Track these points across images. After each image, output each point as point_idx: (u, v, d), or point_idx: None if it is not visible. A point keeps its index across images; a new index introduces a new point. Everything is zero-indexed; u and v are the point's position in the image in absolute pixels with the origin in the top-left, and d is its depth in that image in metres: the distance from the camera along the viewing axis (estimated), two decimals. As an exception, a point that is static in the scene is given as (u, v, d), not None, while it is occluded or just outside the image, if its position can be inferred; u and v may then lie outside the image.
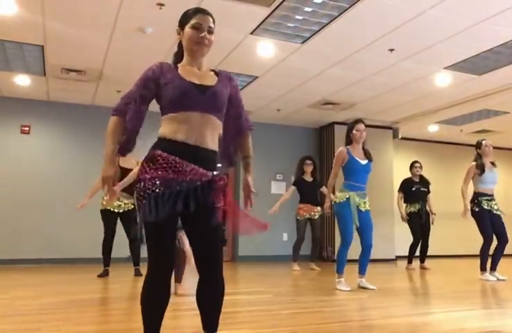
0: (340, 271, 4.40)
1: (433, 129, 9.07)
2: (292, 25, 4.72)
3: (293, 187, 6.56)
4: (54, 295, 3.91)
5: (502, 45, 5.09)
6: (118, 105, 1.95)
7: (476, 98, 7.00)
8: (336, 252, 4.52)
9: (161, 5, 4.27)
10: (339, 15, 4.49)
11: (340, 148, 4.55)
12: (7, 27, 4.78)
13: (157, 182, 1.77)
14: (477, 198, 5.34)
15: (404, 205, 6.82)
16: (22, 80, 6.48)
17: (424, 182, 6.88)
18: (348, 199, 4.35)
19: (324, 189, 6.34)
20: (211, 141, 1.90)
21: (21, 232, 6.96)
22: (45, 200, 7.17)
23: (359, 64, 5.74)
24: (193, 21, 1.98)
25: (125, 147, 1.92)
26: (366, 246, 4.41)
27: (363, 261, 4.46)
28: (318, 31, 4.85)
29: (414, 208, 6.72)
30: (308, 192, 6.47)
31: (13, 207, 7.00)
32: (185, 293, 3.91)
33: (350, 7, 4.33)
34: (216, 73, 2.03)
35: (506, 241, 5.27)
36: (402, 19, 4.56)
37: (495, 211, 5.31)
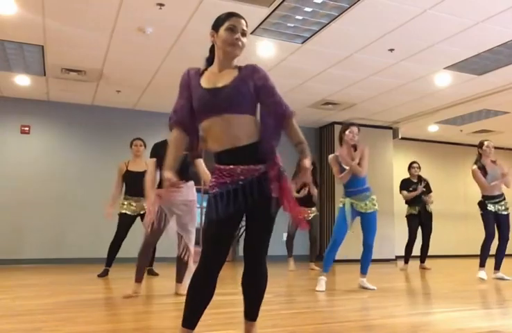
0: (326, 270, 4.41)
1: (433, 129, 9.07)
2: (292, 25, 4.72)
3: None
4: (54, 295, 3.91)
5: (502, 45, 5.09)
6: (172, 117, 2.04)
7: (476, 98, 7.00)
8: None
9: (161, 5, 4.27)
10: (339, 15, 4.49)
11: (329, 156, 4.61)
12: (7, 27, 4.79)
13: (216, 187, 1.94)
14: (484, 201, 5.36)
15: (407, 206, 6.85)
16: (22, 80, 6.48)
17: (423, 182, 6.88)
18: (344, 203, 4.48)
19: (314, 191, 6.35)
20: (246, 137, 1.94)
21: (21, 232, 6.96)
22: (45, 200, 7.16)
23: (359, 64, 5.74)
24: (227, 24, 2.02)
25: (195, 153, 2.13)
26: (366, 246, 4.45)
27: (364, 261, 4.48)
28: (318, 31, 4.85)
29: (414, 210, 6.74)
30: (305, 196, 6.42)
31: (13, 207, 7.00)
32: (185, 293, 3.91)
33: (350, 7, 4.33)
34: (240, 69, 2.05)
35: (506, 239, 5.29)
36: (402, 19, 4.56)
37: (502, 212, 5.32)
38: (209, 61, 2.10)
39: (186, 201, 3.86)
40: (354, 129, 4.49)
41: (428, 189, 6.83)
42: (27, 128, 7.31)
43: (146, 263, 3.98)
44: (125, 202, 5.29)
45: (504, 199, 5.40)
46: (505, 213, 5.34)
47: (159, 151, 3.82)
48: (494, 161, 5.51)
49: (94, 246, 6.99)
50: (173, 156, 2.02)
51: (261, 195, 1.93)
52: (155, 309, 3.43)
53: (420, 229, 6.76)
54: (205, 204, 8.83)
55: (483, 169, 5.37)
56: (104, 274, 5.26)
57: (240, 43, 2.01)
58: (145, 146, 5.38)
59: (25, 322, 2.80)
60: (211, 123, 1.95)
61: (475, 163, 5.49)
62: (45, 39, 5.13)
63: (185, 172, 3.88)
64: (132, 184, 5.18)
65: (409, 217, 6.80)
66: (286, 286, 5.05)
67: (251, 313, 2.08)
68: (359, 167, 4.42)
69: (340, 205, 4.53)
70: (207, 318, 2.93)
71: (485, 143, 5.49)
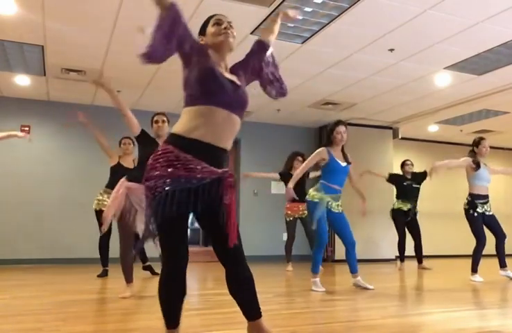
0: (315, 271, 4.38)
1: (433, 129, 9.07)
2: (292, 25, 4.72)
3: (277, 175, 6.43)
4: (54, 295, 3.91)
5: (502, 45, 5.09)
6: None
7: (476, 98, 7.00)
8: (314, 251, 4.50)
9: (161, 5, 4.27)
10: (339, 15, 4.49)
11: (321, 148, 4.46)
12: (7, 27, 4.78)
13: (167, 181, 1.75)
14: (473, 200, 5.27)
15: (395, 200, 6.81)
16: (22, 80, 6.48)
17: (418, 178, 6.85)
18: (321, 200, 4.32)
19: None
20: (230, 142, 1.91)
21: (20, 232, 6.96)
22: (44, 200, 7.16)
23: (359, 64, 5.74)
24: (212, 21, 2.07)
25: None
26: (349, 243, 4.39)
27: (351, 260, 4.42)
28: (318, 31, 4.85)
29: (405, 206, 6.69)
30: (296, 190, 6.38)
31: (13, 207, 6.99)
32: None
33: (350, 7, 4.33)
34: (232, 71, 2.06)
35: (504, 236, 5.26)
36: (402, 19, 4.56)
37: (487, 213, 5.27)
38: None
39: None
40: (341, 128, 4.39)
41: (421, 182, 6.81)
42: (27, 128, 7.30)
43: (129, 263, 3.87)
44: (105, 196, 5.24)
45: (488, 201, 5.34)
46: (491, 213, 5.29)
47: (144, 141, 3.86)
48: (485, 164, 5.40)
49: (94, 246, 6.93)
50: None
51: (214, 199, 1.84)
52: (154, 309, 3.41)
53: (406, 229, 6.71)
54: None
55: (476, 163, 5.25)
56: (104, 274, 5.27)
57: (229, 31, 2.00)
58: (134, 144, 5.38)
59: (25, 322, 2.80)
60: (215, 112, 1.85)
61: (470, 156, 5.34)
62: (45, 39, 5.13)
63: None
64: (118, 178, 5.16)
65: (397, 212, 6.70)
66: (286, 286, 5.05)
67: (252, 311, 1.99)
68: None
69: (315, 200, 4.34)
70: (207, 317, 2.93)
71: (483, 142, 5.30)
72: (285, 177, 6.29)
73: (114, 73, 6.20)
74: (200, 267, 6.45)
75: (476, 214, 5.22)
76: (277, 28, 2.36)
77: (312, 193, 4.42)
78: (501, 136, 9.21)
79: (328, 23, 4.68)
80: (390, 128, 8.98)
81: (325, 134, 8.78)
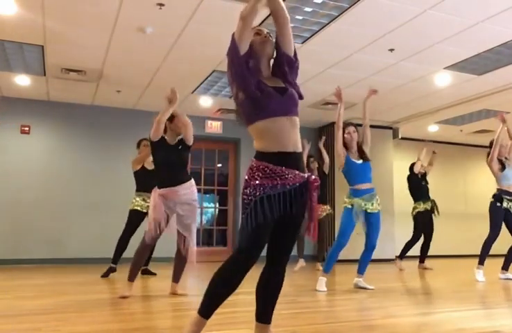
0: (327, 271, 4.40)
1: (433, 129, 9.07)
2: (292, 25, 4.65)
3: None
4: (54, 295, 3.91)
5: (502, 45, 5.09)
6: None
7: (476, 98, 7.00)
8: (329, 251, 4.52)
9: (161, 5, 4.27)
10: (339, 15, 4.49)
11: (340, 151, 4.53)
12: (7, 27, 4.78)
13: (263, 187, 1.93)
14: (501, 194, 5.30)
15: (414, 203, 6.82)
16: (22, 80, 6.48)
17: (426, 179, 6.91)
18: (353, 206, 4.38)
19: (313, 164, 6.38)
20: (299, 143, 2.03)
21: (21, 232, 6.96)
22: (45, 200, 7.16)
23: (359, 64, 5.74)
24: (253, 32, 2.14)
25: None
26: (370, 246, 4.43)
27: (365, 261, 4.46)
28: (318, 31, 4.85)
29: (428, 206, 6.71)
30: None
31: (13, 207, 7.00)
32: (185, 293, 3.91)
33: (350, 7, 4.33)
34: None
35: None
36: (402, 19, 4.56)
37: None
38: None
39: (190, 200, 3.82)
40: (350, 129, 4.50)
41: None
42: (27, 128, 7.30)
43: (142, 262, 3.93)
44: (138, 198, 5.27)
45: None
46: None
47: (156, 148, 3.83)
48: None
49: (94, 246, 6.99)
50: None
51: (303, 203, 2.01)
52: (155, 309, 3.43)
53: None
54: (204, 204, 8.82)
55: (501, 163, 5.34)
56: (108, 273, 5.25)
57: (270, 38, 2.12)
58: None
59: (25, 322, 2.80)
60: (275, 122, 1.98)
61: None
62: (45, 39, 5.13)
63: (182, 169, 3.88)
64: (145, 180, 5.19)
65: (418, 214, 6.72)
66: (287, 286, 5.03)
67: (269, 314, 2.09)
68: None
69: (349, 206, 4.42)
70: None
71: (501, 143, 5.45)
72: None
73: (114, 73, 6.20)
74: (199, 267, 6.44)
75: (499, 206, 5.23)
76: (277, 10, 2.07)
77: (344, 200, 4.49)
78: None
79: (328, 23, 4.68)
80: (390, 128, 8.99)
81: (324, 134, 8.85)
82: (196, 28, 4.73)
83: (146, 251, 3.87)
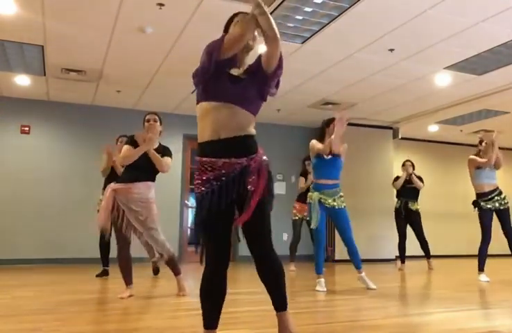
0: (319, 272, 4.38)
1: (433, 129, 9.07)
2: (292, 25, 4.72)
3: (301, 178, 6.45)
4: (54, 295, 3.91)
5: (502, 45, 5.09)
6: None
7: (476, 98, 7.00)
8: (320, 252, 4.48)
9: (161, 5, 4.27)
10: (339, 15, 4.49)
11: (312, 141, 4.47)
12: (7, 27, 4.78)
13: (201, 185, 1.93)
14: (477, 199, 5.27)
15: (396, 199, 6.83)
16: (22, 80, 6.48)
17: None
18: (313, 199, 4.33)
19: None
20: (239, 128, 1.96)
21: (20, 232, 6.96)
22: (45, 200, 7.16)
23: (359, 64, 5.74)
24: (234, 21, 2.17)
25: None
26: (347, 239, 4.35)
27: (354, 256, 4.40)
28: (318, 31, 4.85)
29: (398, 204, 6.72)
30: (305, 192, 6.40)
31: (13, 207, 7.00)
32: (185, 293, 3.91)
33: (350, 7, 4.32)
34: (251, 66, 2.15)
35: None
36: (402, 19, 4.56)
37: (500, 207, 5.15)
38: None
39: (143, 199, 3.75)
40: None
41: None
42: (27, 128, 7.31)
43: (126, 264, 3.81)
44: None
45: (499, 194, 5.24)
46: (502, 208, 5.16)
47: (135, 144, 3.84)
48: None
49: (94, 246, 6.95)
50: None
51: (244, 188, 1.93)
52: (154, 309, 3.43)
53: (409, 227, 6.70)
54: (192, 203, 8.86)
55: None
56: (103, 274, 5.26)
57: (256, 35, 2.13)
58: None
59: (25, 322, 2.80)
60: (215, 107, 1.96)
61: (475, 154, 5.43)
62: (45, 39, 5.13)
63: (146, 171, 3.83)
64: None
65: (398, 212, 6.72)
66: (287, 286, 5.04)
67: (278, 302, 2.06)
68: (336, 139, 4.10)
69: (310, 201, 4.35)
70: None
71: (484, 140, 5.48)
72: (306, 175, 6.35)
73: (114, 73, 6.20)
74: (197, 267, 6.44)
75: (482, 212, 5.16)
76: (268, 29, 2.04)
77: (308, 195, 4.44)
78: (501, 136, 9.17)
79: (328, 23, 4.68)
80: (390, 128, 8.99)
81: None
82: (196, 28, 4.73)
83: (124, 252, 3.76)
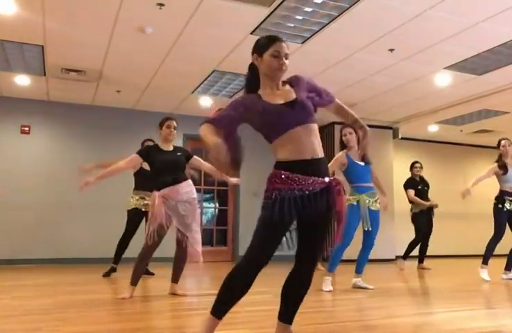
0: (331, 270, 4.39)
1: (433, 129, 9.07)
2: (292, 25, 4.72)
3: None
4: (54, 295, 3.91)
5: (502, 45, 5.09)
6: (209, 120, 2.07)
7: (476, 98, 7.00)
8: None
9: (161, 5, 4.27)
10: (339, 15, 4.49)
11: (340, 152, 4.55)
12: (7, 27, 4.78)
13: (279, 190, 1.98)
14: (503, 196, 5.30)
15: (410, 204, 6.83)
16: (22, 80, 6.48)
17: (425, 182, 6.92)
18: (358, 202, 4.36)
19: None
20: (320, 149, 2.08)
21: (20, 232, 6.95)
22: (45, 200, 7.16)
23: (359, 64, 5.74)
24: (271, 50, 2.16)
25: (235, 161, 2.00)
26: (369, 244, 4.41)
27: (363, 260, 4.44)
28: (318, 31, 4.85)
29: (422, 208, 6.72)
30: None
31: (13, 207, 6.99)
32: (185, 293, 3.91)
33: (350, 7, 4.33)
34: (290, 84, 2.19)
35: None
36: (402, 19, 4.56)
37: None
38: (251, 82, 2.20)
39: (190, 199, 3.87)
40: (345, 130, 4.52)
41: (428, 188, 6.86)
42: (27, 128, 7.31)
43: (144, 266, 3.92)
44: (136, 197, 5.30)
45: None
46: None
47: (149, 156, 3.92)
48: None
49: (94, 246, 6.99)
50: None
51: (326, 207, 2.04)
52: (154, 309, 3.43)
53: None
54: (204, 204, 8.82)
55: (503, 167, 5.35)
56: (110, 272, 5.25)
57: (284, 67, 2.13)
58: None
59: (25, 322, 2.80)
60: (293, 133, 2.04)
61: (496, 161, 5.46)
62: (45, 39, 5.13)
63: (182, 170, 3.96)
64: (144, 180, 5.25)
65: (415, 215, 6.74)
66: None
67: (288, 315, 2.15)
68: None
69: (354, 203, 4.38)
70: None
71: (502, 142, 5.54)
72: None
73: (114, 73, 6.20)
74: (200, 267, 6.44)
75: (500, 209, 5.23)
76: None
77: (348, 199, 4.39)
78: (501, 136, 9.17)
79: (328, 23, 4.68)
80: (390, 128, 8.99)
81: (324, 134, 8.86)
82: (196, 28, 4.73)
83: (149, 254, 3.84)
